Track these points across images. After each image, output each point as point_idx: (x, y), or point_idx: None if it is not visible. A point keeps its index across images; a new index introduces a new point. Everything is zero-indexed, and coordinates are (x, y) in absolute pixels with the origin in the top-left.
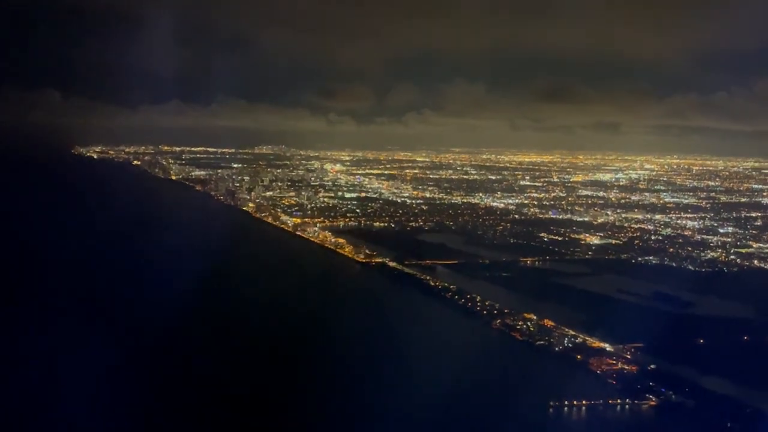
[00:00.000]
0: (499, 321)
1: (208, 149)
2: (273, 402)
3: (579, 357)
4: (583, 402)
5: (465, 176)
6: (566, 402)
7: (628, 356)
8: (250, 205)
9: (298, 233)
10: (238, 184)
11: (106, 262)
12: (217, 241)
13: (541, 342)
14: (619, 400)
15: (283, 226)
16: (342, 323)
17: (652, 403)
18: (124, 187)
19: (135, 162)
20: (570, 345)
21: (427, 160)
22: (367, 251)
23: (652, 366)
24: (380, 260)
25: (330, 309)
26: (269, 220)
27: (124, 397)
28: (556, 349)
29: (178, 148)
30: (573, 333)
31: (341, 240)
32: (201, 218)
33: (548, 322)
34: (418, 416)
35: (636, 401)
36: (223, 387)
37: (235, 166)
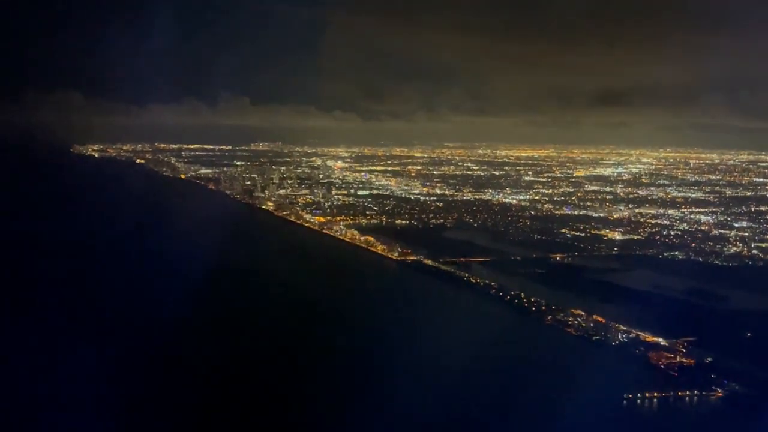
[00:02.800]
0: (550, 317)
1: (204, 146)
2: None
3: (637, 351)
4: (655, 394)
5: (468, 172)
6: (639, 394)
7: (683, 350)
8: (269, 203)
9: (325, 231)
10: (249, 182)
11: (164, 265)
12: (258, 243)
13: (597, 337)
14: (687, 392)
15: (308, 224)
16: (404, 322)
17: (719, 394)
18: (140, 186)
19: (139, 160)
20: (625, 339)
21: (425, 155)
22: (400, 249)
23: (709, 359)
24: (415, 258)
25: (388, 307)
26: (292, 218)
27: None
28: (613, 343)
29: (175, 146)
30: (624, 328)
31: (370, 238)
32: (230, 218)
33: (597, 318)
34: (503, 411)
35: (703, 393)
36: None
37: (239, 163)
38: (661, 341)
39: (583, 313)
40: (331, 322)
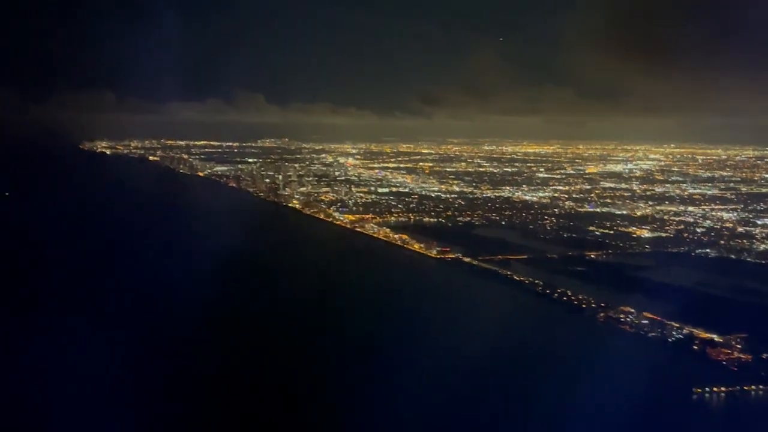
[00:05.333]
0: (602, 315)
1: (210, 143)
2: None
3: (695, 347)
4: (722, 388)
5: (481, 169)
6: (707, 389)
7: (739, 345)
8: (294, 201)
9: (357, 229)
10: (268, 180)
11: (224, 270)
12: (305, 243)
13: (653, 334)
14: (752, 387)
15: (339, 222)
16: (471, 322)
17: None
18: (163, 185)
19: (151, 158)
20: (680, 336)
21: (432, 152)
22: (437, 247)
23: (765, 355)
24: (453, 256)
25: (448, 307)
26: (321, 216)
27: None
28: (669, 340)
29: (182, 142)
30: (676, 324)
31: (404, 236)
32: (267, 218)
33: (648, 315)
34: (578, 408)
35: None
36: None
37: (251, 160)
38: (715, 337)
39: (633, 311)
40: (402, 316)
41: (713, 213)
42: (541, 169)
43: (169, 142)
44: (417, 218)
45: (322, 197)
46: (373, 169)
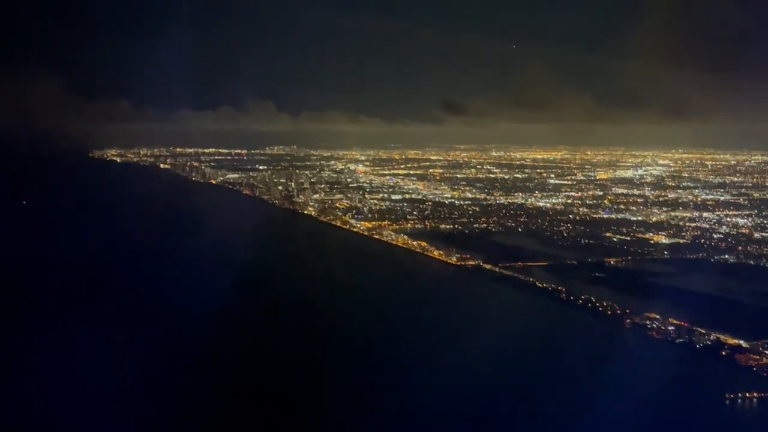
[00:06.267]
0: (628, 321)
1: (220, 150)
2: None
3: (723, 353)
4: (755, 394)
5: (491, 175)
6: (739, 394)
7: (766, 351)
8: (310, 209)
9: (375, 237)
10: (281, 187)
11: (267, 275)
12: (323, 249)
13: (681, 340)
14: None
15: (356, 230)
16: (494, 328)
17: None
18: (179, 192)
19: (162, 165)
20: (708, 342)
21: (441, 158)
22: (456, 254)
23: None
24: (473, 262)
25: (476, 313)
26: (338, 224)
27: None
28: (697, 346)
29: (190, 150)
30: (703, 331)
31: (423, 243)
32: (287, 226)
33: (674, 321)
34: (616, 413)
35: None
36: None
37: (261, 168)
38: (743, 343)
39: (659, 317)
40: (436, 324)
41: (728, 219)
42: (552, 176)
43: (178, 149)
44: (433, 225)
45: (337, 204)
46: (383, 175)
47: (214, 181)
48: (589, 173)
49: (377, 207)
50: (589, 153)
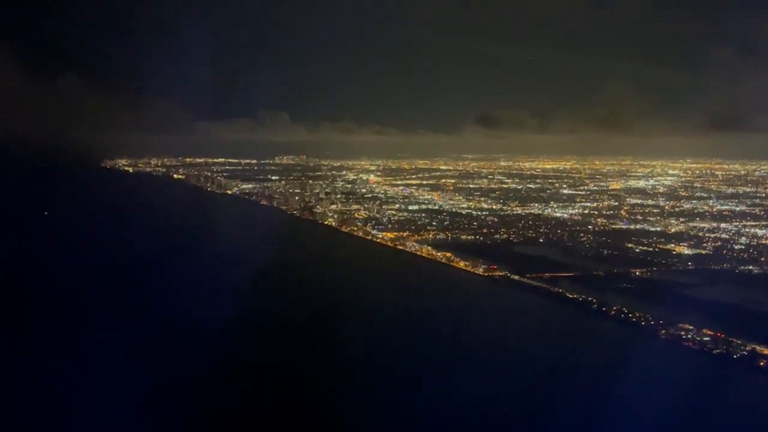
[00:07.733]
0: (663, 332)
1: (229, 160)
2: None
3: (761, 364)
4: None
5: (503, 185)
6: None
7: None
8: (330, 219)
9: (399, 247)
10: (297, 198)
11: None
12: (350, 260)
13: (718, 351)
14: None
15: (379, 240)
16: (533, 340)
17: None
18: (199, 203)
19: (175, 175)
20: (744, 353)
21: (450, 168)
22: (483, 265)
23: None
24: (501, 273)
25: (509, 325)
26: (360, 234)
27: None
28: (734, 356)
29: (200, 160)
30: (738, 341)
31: (447, 254)
32: (313, 237)
33: (708, 332)
34: (668, 425)
35: None
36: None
37: (274, 178)
38: None
39: (692, 327)
40: (475, 336)
41: (746, 229)
42: (564, 186)
43: (188, 159)
44: (454, 236)
45: (355, 215)
46: (396, 185)
47: (229, 191)
48: (601, 183)
49: (396, 217)
50: (597, 163)
